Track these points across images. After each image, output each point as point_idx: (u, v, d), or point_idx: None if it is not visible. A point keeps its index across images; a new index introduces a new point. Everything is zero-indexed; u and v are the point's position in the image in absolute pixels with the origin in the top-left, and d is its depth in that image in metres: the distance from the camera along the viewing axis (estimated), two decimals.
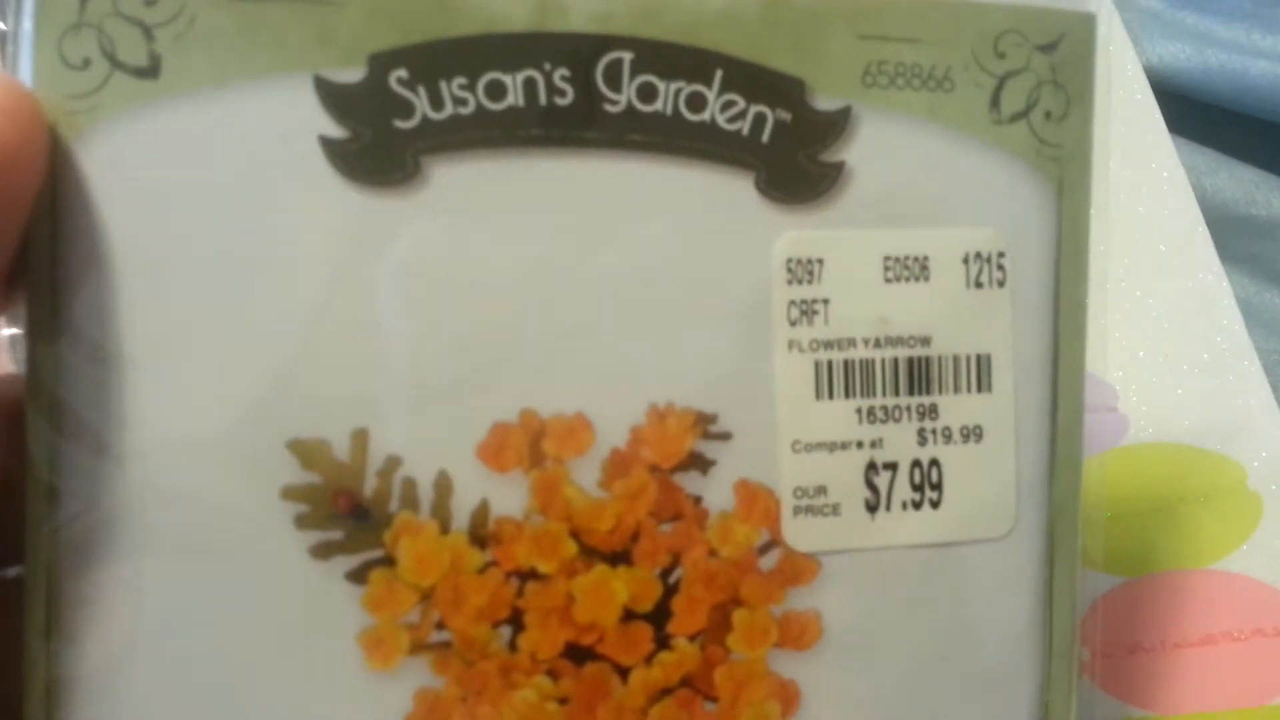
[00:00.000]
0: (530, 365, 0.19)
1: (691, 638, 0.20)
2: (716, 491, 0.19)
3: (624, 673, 0.20)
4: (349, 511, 0.19)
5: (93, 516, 0.18)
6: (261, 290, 0.18)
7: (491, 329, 0.19)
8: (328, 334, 0.19)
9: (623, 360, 0.19)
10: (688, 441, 0.20)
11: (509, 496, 0.19)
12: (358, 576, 0.19)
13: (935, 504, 0.21)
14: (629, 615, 0.20)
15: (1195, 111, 0.35)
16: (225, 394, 0.18)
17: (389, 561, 0.19)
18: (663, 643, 0.20)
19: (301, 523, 0.19)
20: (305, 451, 0.19)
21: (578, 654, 0.19)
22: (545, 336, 0.19)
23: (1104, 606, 0.25)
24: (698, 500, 0.20)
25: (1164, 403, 0.28)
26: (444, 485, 0.19)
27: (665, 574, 0.20)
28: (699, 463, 0.20)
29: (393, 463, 0.19)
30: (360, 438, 0.19)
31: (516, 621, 0.19)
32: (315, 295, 0.18)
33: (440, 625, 0.19)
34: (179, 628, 0.18)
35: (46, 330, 0.18)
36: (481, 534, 0.19)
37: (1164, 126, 0.33)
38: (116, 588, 0.18)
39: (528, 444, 0.19)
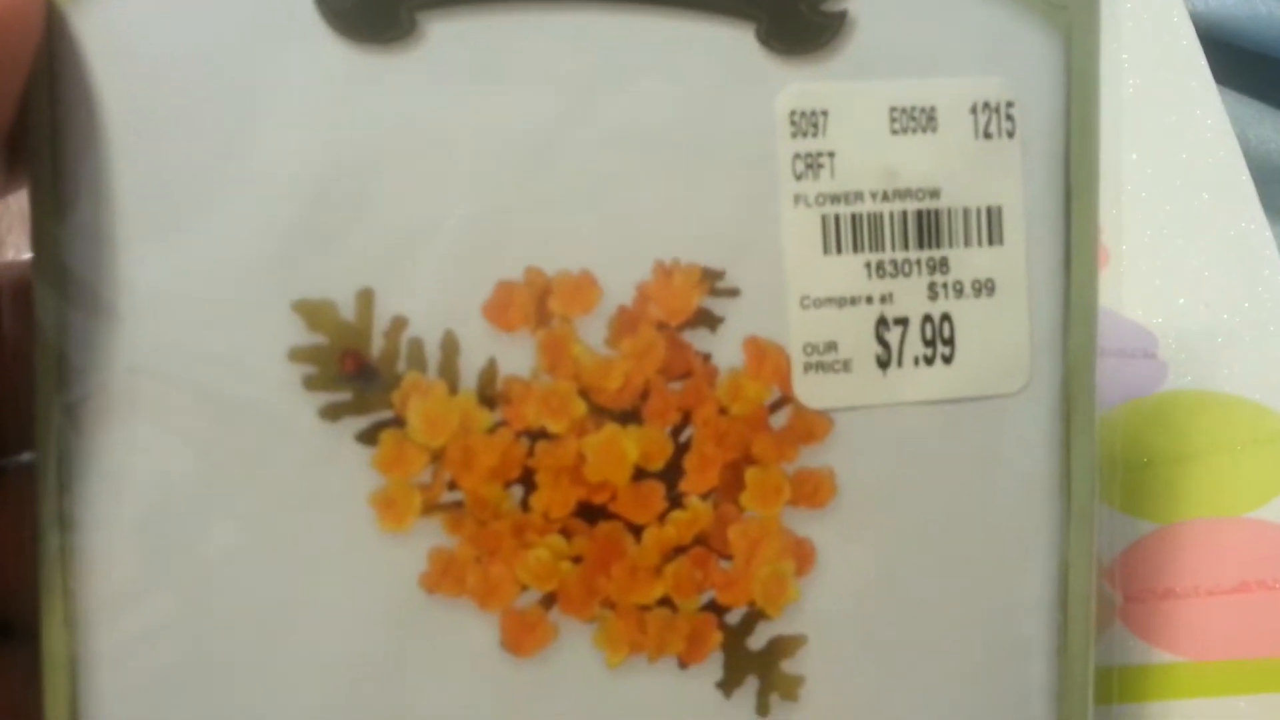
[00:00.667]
0: (534, 224, 0.19)
1: (704, 496, 0.20)
2: (725, 349, 0.19)
3: (637, 531, 0.20)
4: (356, 372, 0.19)
5: (102, 382, 0.18)
6: (260, 151, 0.18)
7: (493, 188, 0.19)
8: (328, 195, 0.18)
9: (627, 218, 0.19)
10: (695, 298, 0.19)
11: (517, 356, 0.19)
12: (368, 438, 0.19)
13: (948, 359, 0.20)
14: (640, 474, 0.20)
15: (1242, 61, 0.34)
16: (228, 256, 0.18)
17: (399, 422, 0.19)
18: (675, 501, 0.20)
19: (310, 384, 0.19)
20: (311, 312, 0.19)
21: (590, 513, 0.19)
22: (548, 195, 0.19)
23: (1138, 551, 0.25)
24: (707, 358, 0.20)
25: (1203, 350, 0.27)
26: (451, 345, 0.19)
27: (676, 432, 0.20)
28: (707, 320, 0.20)
29: (399, 323, 0.19)
30: (365, 298, 0.19)
31: (528, 481, 0.19)
32: (314, 155, 0.18)
33: (452, 486, 0.19)
34: (191, 494, 0.19)
35: (50, 197, 0.18)
36: (490, 394, 0.19)
37: (1209, 75, 0.32)
38: (127, 456, 0.18)
39: (534, 302, 0.19)
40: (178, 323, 0.18)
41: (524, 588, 0.19)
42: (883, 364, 0.20)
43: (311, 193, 0.18)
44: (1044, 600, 0.21)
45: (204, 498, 0.18)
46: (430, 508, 0.19)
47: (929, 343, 0.20)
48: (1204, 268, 0.28)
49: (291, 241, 0.18)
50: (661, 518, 0.20)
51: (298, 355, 0.19)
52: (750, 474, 0.20)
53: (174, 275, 0.18)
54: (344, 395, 0.19)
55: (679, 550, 0.20)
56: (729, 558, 0.20)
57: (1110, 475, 0.24)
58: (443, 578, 0.19)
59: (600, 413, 0.19)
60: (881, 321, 0.20)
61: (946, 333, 0.20)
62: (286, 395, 0.18)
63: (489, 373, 0.19)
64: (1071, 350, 0.21)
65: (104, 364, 0.18)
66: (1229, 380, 0.27)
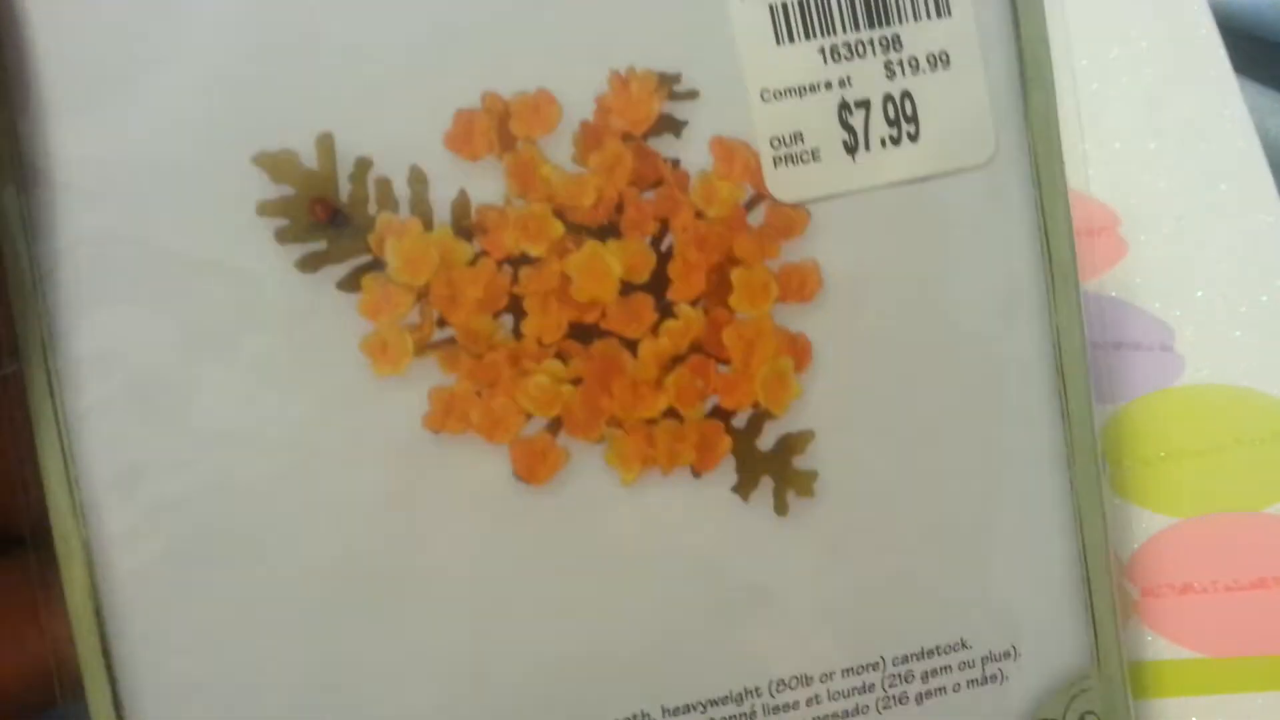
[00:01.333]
0: (484, 46, 0.19)
1: (693, 302, 0.20)
2: (693, 152, 0.19)
3: (632, 346, 0.19)
4: (328, 219, 0.18)
5: (73, 258, 0.18)
6: (195, 6, 0.18)
7: (438, 10, 0.19)
8: (271, 41, 0.18)
9: (576, 28, 0.19)
10: (655, 105, 0.19)
11: (487, 184, 0.19)
12: (349, 284, 0.19)
13: (913, 137, 0.20)
14: (627, 288, 0.19)
15: (1261, 50, 0.32)
16: (179, 118, 0.18)
17: (378, 265, 0.19)
18: (665, 311, 0.20)
19: (282, 237, 0.18)
20: (272, 163, 0.18)
21: (583, 333, 0.19)
22: (495, 13, 0.19)
23: (1155, 546, 0.24)
24: (675, 163, 0.20)
25: (1221, 343, 0.27)
26: (419, 180, 0.19)
27: (656, 242, 0.20)
28: (670, 124, 0.19)
29: (363, 164, 0.18)
30: (326, 142, 0.18)
31: (516, 309, 0.19)
32: (249, 3, 0.18)
33: (441, 323, 0.19)
34: (180, 363, 0.18)
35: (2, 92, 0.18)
36: (466, 225, 0.19)
37: (1228, 64, 0.32)
38: (111, 334, 0.18)
39: (495, 127, 0.19)
40: (138, 190, 0.18)
41: (528, 416, 0.19)
42: (850, 149, 0.20)
43: (252, 41, 0.18)
44: (1040, 362, 0.21)
45: (193, 364, 0.18)
46: (423, 347, 0.19)
47: (893, 122, 0.20)
48: (1222, 259, 0.28)
49: (240, 94, 0.18)
50: (654, 329, 0.20)
51: (266, 209, 0.18)
52: (736, 275, 0.20)
53: (126, 143, 0.18)
54: (319, 244, 0.19)
55: (676, 360, 0.20)
56: (727, 362, 0.20)
57: (1127, 469, 0.24)
58: (446, 416, 0.19)
59: (578, 230, 0.19)
60: (844, 106, 0.20)
61: (909, 110, 0.20)
62: (260, 251, 0.17)
63: (461, 204, 0.19)
64: (1033, 115, 0.21)
65: (71, 241, 0.18)
66: (1247, 373, 0.26)
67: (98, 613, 0.17)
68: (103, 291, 0.18)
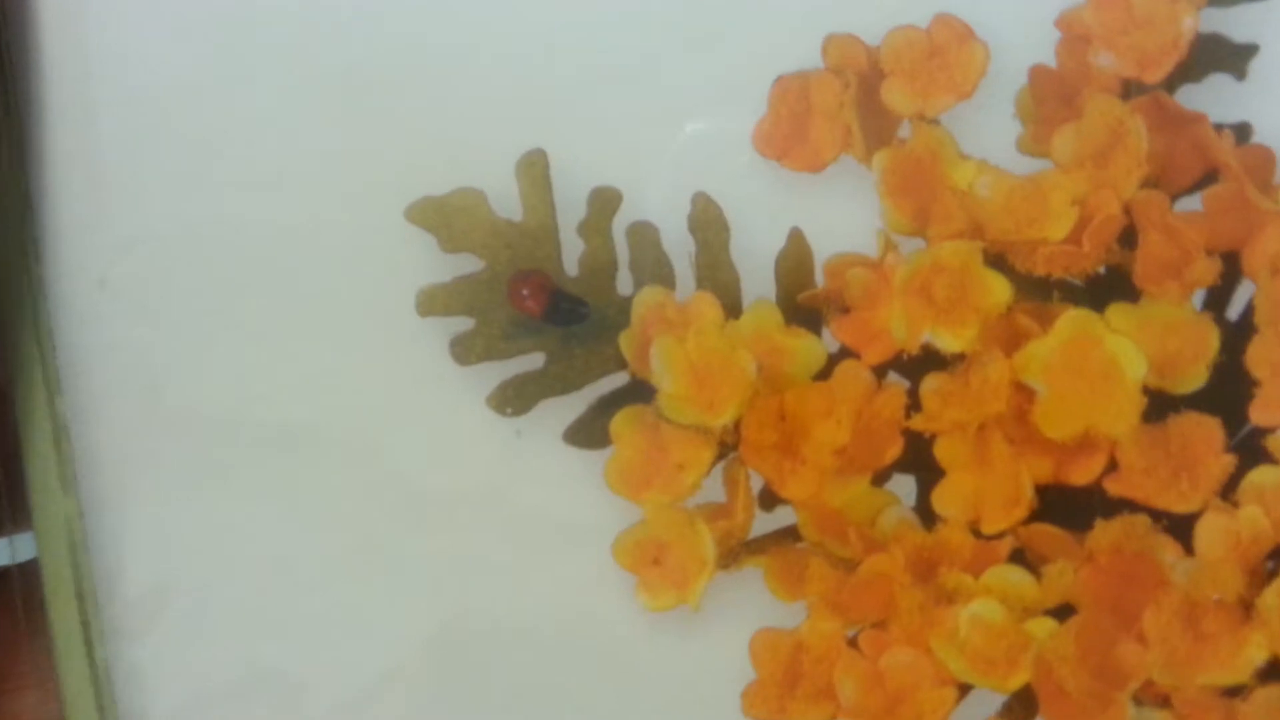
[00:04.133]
0: None
1: None
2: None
3: (1183, 530, 0.09)
4: (544, 309, 0.10)
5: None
6: None
7: None
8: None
9: None
10: (1183, 21, 0.09)
11: (845, 214, 0.10)
12: (587, 433, 0.10)
13: None
14: (1158, 404, 0.09)
15: None
16: None
17: (643, 391, 0.10)
18: (1247, 448, 0.09)
19: (463, 354, 0.10)
20: (440, 216, 0.10)
21: (1071, 504, 0.09)
22: None
23: None
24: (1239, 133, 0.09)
25: None
26: (709, 219, 0.10)
27: (1215, 301, 0.09)
28: (1220, 55, 0.09)
29: (606, 202, 0.10)
30: (536, 168, 0.10)
31: (925, 463, 0.09)
32: None
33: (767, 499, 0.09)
34: None
35: None
36: (808, 299, 0.09)
37: None
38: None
39: (853, 97, 0.09)
40: None
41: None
42: None
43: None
44: None
45: None
46: (736, 552, 0.09)
47: None
48: None
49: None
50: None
51: (432, 303, 0.10)
52: None
53: None
54: (529, 357, 0.10)
55: None
56: None
57: None
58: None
59: (1041, 292, 0.09)
60: None
61: None
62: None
63: (797, 258, 0.10)
64: None
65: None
66: None
67: None
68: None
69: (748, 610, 0.10)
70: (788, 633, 0.10)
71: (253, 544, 0.12)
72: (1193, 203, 0.11)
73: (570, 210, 0.11)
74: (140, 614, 0.13)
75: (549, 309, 0.11)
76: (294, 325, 0.11)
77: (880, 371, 0.11)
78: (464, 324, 0.11)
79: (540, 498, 0.11)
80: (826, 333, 0.11)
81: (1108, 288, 0.11)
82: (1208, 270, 0.11)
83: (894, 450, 0.11)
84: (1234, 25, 0.11)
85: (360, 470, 0.12)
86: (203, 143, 0.11)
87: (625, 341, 0.11)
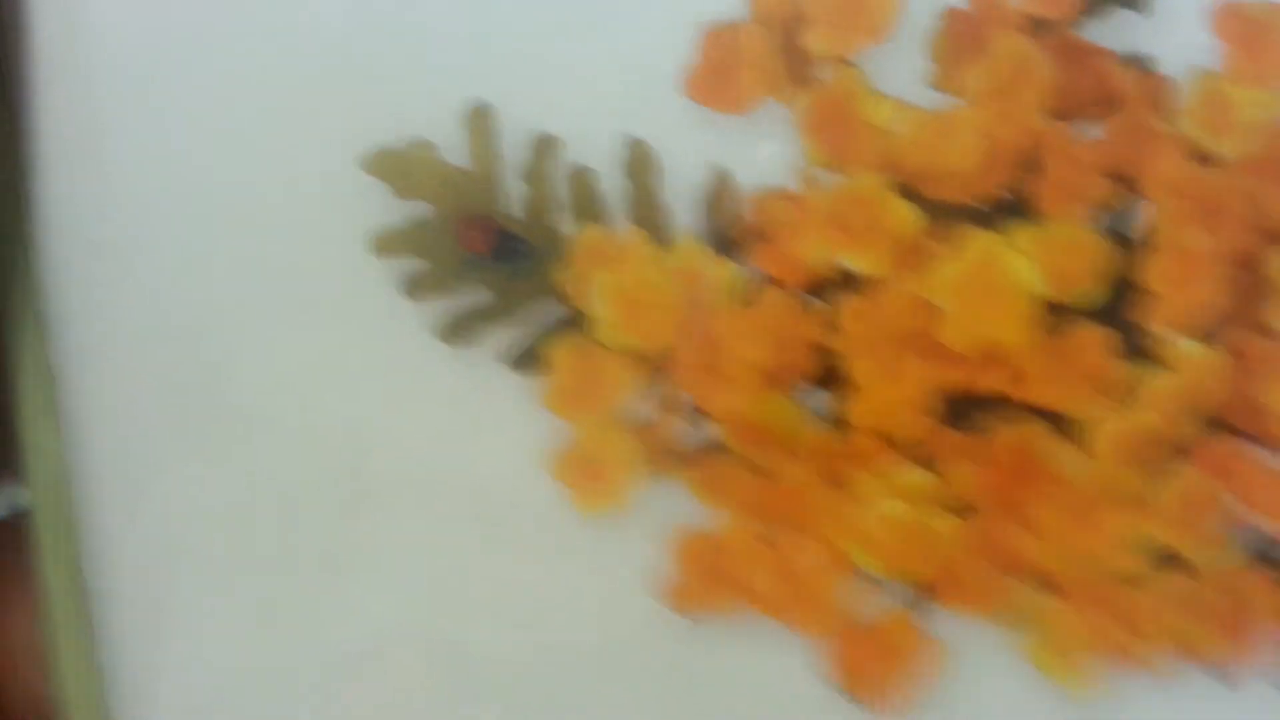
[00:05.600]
0: None
1: (1199, 333, 0.10)
2: (1174, 39, 0.10)
3: (1069, 431, 0.10)
4: (490, 248, 0.11)
5: None
6: None
7: None
8: None
9: None
10: None
11: (765, 154, 0.10)
12: (529, 360, 0.10)
13: None
14: (1055, 316, 0.10)
15: None
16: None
17: (578, 320, 0.10)
18: (1137, 354, 0.10)
19: (417, 289, 0.11)
20: (394, 166, 0.11)
21: (969, 412, 0.10)
22: None
23: None
24: (1138, 64, 0.10)
25: None
26: (641, 161, 0.10)
27: (1112, 222, 0.10)
28: None
29: (546, 146, 0.10)
30: (481, 118, 0.10)
31: (832, 377, 0.10)
32: None
33: (695, 414, 0.10)
34: None
35: None
36: (731, 233, 0.10)
37: None
38: None
39: (772, 47, 0.10)
40: None
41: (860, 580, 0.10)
42: None
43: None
44: None
45: None
46: (663, 461, 0.10)
47: None
48: None
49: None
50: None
51: (386, 245, 0.11)
52: None
53: None
54: (476, 295, 0.11)
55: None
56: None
57: None
58: (709, 588, 0.10)
59: (948, 216, 0.10)
60: None
61: None
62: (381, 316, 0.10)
63: (720, 195, 0.10)
64: None
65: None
66: None
67: None
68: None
69: (679, 518, 0.11)
70: (709, 533, 0.11)
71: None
72: (1096, 133, 0.12)
73: (514, 157, 0.12)
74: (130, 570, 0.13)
75: (496, 248, 0.11)
76: (264, 287, 0.12)
77: (801, 297, 0.12)
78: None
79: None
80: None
81: (1013, 213, 0.12)
82: (1107, 193, 0.11)
83: (811, 367, 0.11)
84: None
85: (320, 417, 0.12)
86: (169, 104, 0.12)
87: (566, 276, 0.11)
